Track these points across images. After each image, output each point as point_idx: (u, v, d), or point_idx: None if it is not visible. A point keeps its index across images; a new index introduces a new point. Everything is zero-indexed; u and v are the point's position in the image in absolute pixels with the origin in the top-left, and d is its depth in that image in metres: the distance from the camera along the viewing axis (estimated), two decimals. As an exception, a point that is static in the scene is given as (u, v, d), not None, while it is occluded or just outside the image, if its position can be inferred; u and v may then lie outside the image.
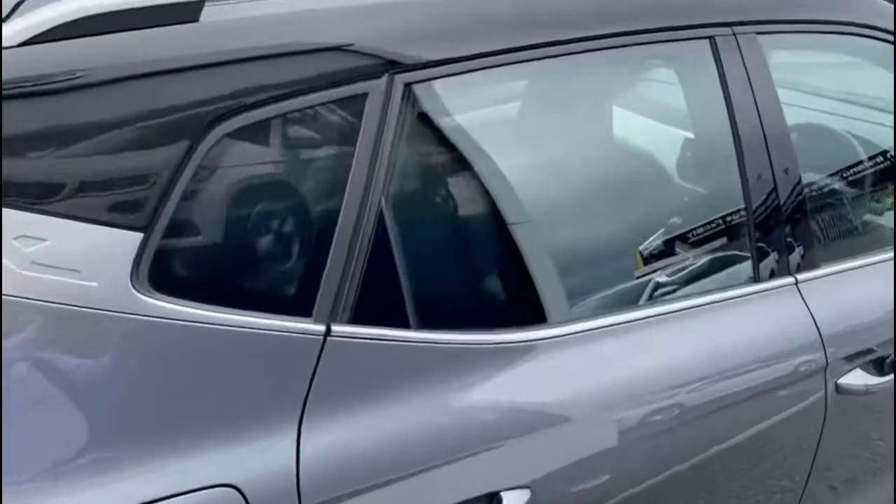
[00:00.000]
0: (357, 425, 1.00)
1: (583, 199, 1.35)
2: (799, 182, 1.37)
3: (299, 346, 0.98)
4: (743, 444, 1.28)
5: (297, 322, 0.98)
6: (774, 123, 1.34)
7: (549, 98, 1.41)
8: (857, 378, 1.37)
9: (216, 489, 0.91)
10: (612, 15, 1.23)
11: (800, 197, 1.38)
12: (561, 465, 1.11)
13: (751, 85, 1.32)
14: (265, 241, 1.01)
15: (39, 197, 0.87)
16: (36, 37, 0.88)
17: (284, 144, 1.02)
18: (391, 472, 1.00)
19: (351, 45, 1.02)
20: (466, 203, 1.21)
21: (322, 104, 1.02)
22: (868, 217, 1.64)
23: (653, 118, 1.76)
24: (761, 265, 1.35)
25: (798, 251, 1.38)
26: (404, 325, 1.06)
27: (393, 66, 1.04)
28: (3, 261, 0.85)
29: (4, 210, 0.85)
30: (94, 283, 0.88)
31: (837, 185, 1.57)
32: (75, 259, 0.88)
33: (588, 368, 1.16)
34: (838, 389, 1.36)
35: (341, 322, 1.00)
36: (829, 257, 1.44)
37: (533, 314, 1.17)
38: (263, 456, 0.95)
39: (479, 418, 1.08)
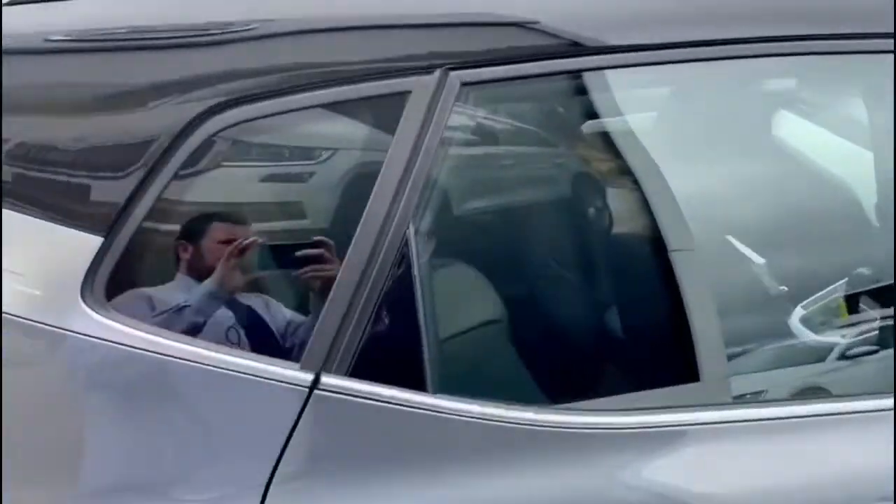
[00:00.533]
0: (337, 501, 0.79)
1: (749, 230, 1.11)
2: None
3: (277, 398, 0.79)
4: None
5: (278, 366, 0.80)
6: None
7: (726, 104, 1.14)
8: None
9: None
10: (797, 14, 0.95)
11: None
12: None
13: None
14: (250, 263, 0.83)
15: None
16: None
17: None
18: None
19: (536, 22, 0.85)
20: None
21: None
22: None
23: (840, 137, 1.44)
24: None
25: None
26: (421, 386, 0.84)
27: (576, 47, 0.85)
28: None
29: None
30: (38, 292, 0.74)
31: None
32: (19, 260, 0.74)
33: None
34: None
35: (335, 373, 0.81)
36: None
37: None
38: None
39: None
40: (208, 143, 0.79)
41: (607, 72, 0.91)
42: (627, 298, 1.07)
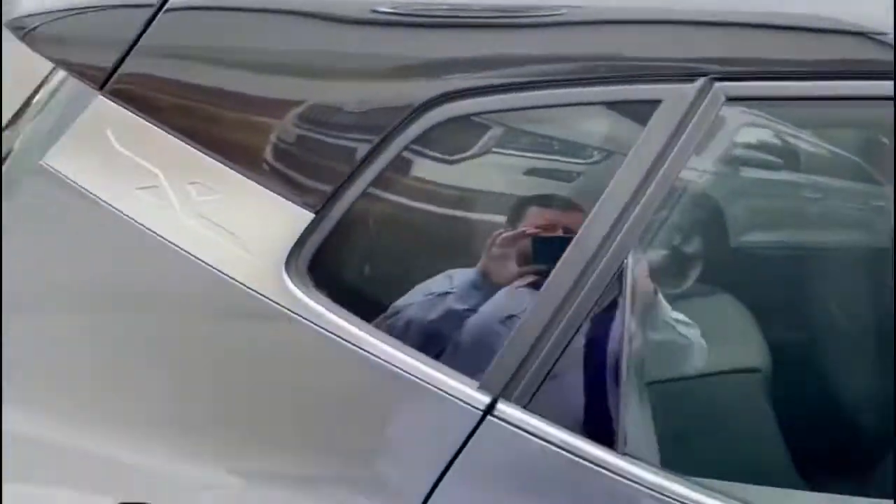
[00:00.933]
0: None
1: None
2: None
3: (452, 413, 0.74)
4: None
5: (459, 381, 0.74)
6: None
7: None
8: None
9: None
10: None
11: None
12: None
13: None
14: (450, 265, 0.78)
15: (227, 145, 0.78)
16: None
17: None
18: None
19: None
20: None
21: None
22: None
23: None
24: None
25: None
26: (606, 440, 0.73)
27: None
28: (170, 195, 0.78)
29: (190, 147, 0.77)
30: (246, 255, 0.76)
31: None
32: (237, 221, 0.77)
33: None
34: None
35: (514, 402, 0.73)
36: None
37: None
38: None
39: None
40: (444, 130, 0.75)
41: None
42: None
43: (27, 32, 0.84)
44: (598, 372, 0.74)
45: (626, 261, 0.72)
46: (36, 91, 0.88)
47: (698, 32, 0.73)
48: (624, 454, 0.72)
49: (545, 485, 0.73)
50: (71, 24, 0.83)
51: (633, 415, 0.73)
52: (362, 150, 0.75)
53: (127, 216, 0.78)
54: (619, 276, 0.72)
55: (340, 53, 0.79)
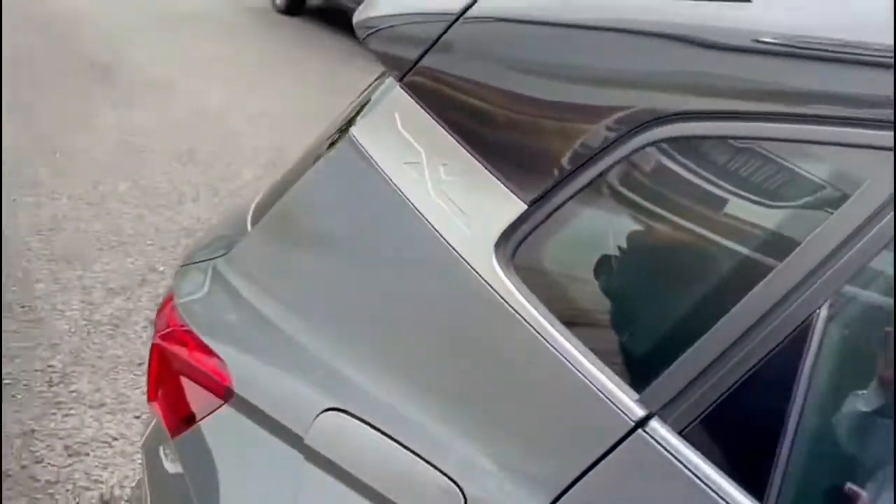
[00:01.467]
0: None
1: None
2: None
3: (606, 418, 0.75)
4: None
5: (620, 389, 0.75)
6: None
7: None
8: None
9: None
10: None
11: None
12: None
13: None
14: (642, 277, 0.78)
15: (477, 135, 0.89)
16: None
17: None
18: None
19: None
20: None
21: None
22: None
23: None
24: None
25: None
26: (756, 491, 0.68)
27: None
28: (426, 172, 0.91)
29: (448, 133, 0.91)
30: (468, 231, 0.86)
31: None
32: (469, 202, 0.87)
33: None
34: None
35: (668, 424, 0.72)
36: None
37: None
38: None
39: None
40: (659, 150, 0.77)
41: None
42: None
43: (370, 32, 1.05)
44: (766, 417, 0.69)
45: (817, 312, 0.66)
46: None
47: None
48: (768, 510, 0.67)
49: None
50: (397, 27, 1.02)
51: (792, 472, 0.67)
52: (585, 154, 0.80)
53: (394, 184, 0.94)
54: (809, 324, 0.67)
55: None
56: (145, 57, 6.39)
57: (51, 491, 2.20)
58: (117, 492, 2.22)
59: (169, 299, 1.16)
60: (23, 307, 3.05)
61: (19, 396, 2.56)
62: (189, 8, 8.14)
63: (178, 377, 1.08)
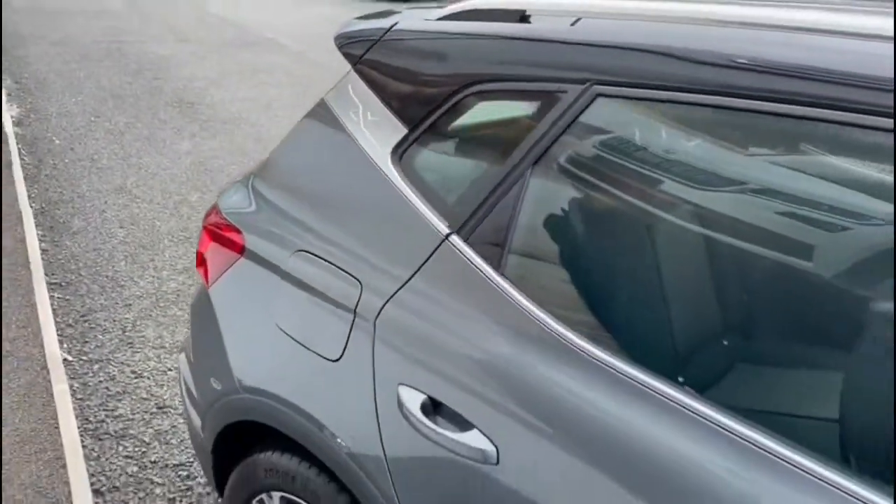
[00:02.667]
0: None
1: None
2: None
3: (430, 235, 1.38)
4: None
5: (437, 216, 1.39)
6: None
7: None
8: None
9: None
10: None
11: None
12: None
13: None
14: (453, 160, 1.43)
15: (395, 95, 1.55)
16: None
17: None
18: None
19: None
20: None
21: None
22: None
23: None
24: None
25: None
26: (498, 266, 1.30)
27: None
28: (360, 117, 1.58)
29: (375, 93, 1.57)
30: (379, 148, 1.52)
31: None
32: (380, 132, 1.53)
33: None
34: None
35: (463, 237, 1.34)
36: None
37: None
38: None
39: None
40: (475, 98, 1.41)
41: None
42: None
43: (343, 42, 1.72)
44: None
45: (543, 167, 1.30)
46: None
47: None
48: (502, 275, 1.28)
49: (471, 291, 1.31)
50: (354, 37, 1.69)
51: (547, 271, 1.28)
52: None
53: (344, 125, 1.61)
54: (549, 168, 1.29)
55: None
56: (223, 98, 7.32)
57: (119, 399, 2.89)
58: (169, 402, 2.89)
59: (215, 205, 1.84)
60: (107, 277, 3.81)
61: (101, 337, 3.29)
62: (266, 62, 9.16)
63: (212, 245, 1.76)
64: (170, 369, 3.10)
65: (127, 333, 3.33)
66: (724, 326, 1.21)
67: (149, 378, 3.02)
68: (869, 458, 1.00)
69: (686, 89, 1.13)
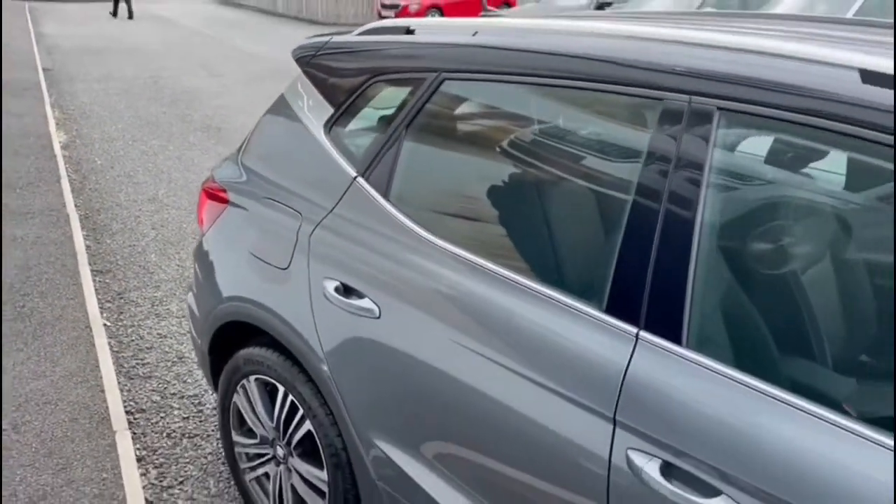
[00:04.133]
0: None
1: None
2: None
3: (342, 177, 2.04)
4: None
5: (347, 164, 2.05)
6: None
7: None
8: None
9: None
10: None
11: None
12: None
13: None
14: (359, 126, 2.09)
15: (325, 83, 2.22)
16: None
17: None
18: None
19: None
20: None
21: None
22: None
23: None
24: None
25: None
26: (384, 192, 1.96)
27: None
28: (305, 104, 2.26)
29: (315, 87, 2.25)
30: (316, 122, 2.18)
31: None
32: (316, 112, 2.20)
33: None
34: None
35: (368, 180, 2.00)
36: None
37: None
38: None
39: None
40: (378, 84, 2.07)
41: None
42: None
43: (299, 53, 2.40)
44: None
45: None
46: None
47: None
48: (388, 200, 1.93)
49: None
50: (305, 48, 2.37)
51: (431, 197, 1.94)
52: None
53: (294, 111, 2.28)
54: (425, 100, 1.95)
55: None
56: (247, 123, 8.10)
57: (147, 352, 3.57)
58: (187, 355, 3.56)
59: (210, 175, 2.53)
60: (139, 266, 4.53)
61: (133, 309, 3.98)
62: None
63: (208, 204, 2.44)
64: (189, 332, 3.78)
65: (155, 307, 4.02)
66: (525, 220, 1.84)
67: (172, 339, 3.70)
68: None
69: (499, 72, 1.79)
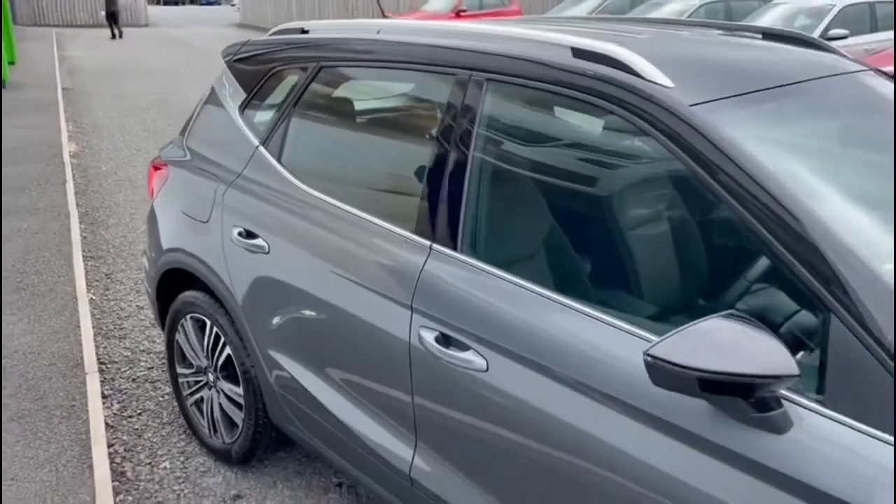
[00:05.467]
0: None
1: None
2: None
3: (242, 143, 2.57)
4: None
5: (245, 128, 2.57)
6: None
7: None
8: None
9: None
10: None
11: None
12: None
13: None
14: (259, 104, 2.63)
15: (248, 73, 2.76)
16: None
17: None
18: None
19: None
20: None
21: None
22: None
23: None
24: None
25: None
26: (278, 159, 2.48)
27: None
28: (226, 92, 2.79)
29: (233, 78, 2.78)
30: (234, 106, 2.71)
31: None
32: (233, 99, 2.73)
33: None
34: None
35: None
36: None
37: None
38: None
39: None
40: (281, 72, 2.60)
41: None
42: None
43: (226, 55, 2.94)
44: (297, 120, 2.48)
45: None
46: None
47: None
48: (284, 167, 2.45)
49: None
50: (230, 50, 2.91)
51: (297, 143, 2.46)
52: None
53: (220, 99, 2.82)
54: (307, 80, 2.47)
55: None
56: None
57: (125, 319, 4.10)
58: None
59: (158, 154, 3.07)
60: (128, 254, 5.09)
61: (118, 287, 4.53)
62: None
63: (156, 175, 2.98)
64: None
65: (137, 286, 4.57)
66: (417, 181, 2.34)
67: (149, 310, 4.24)
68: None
69: (359, 59, 2.31)
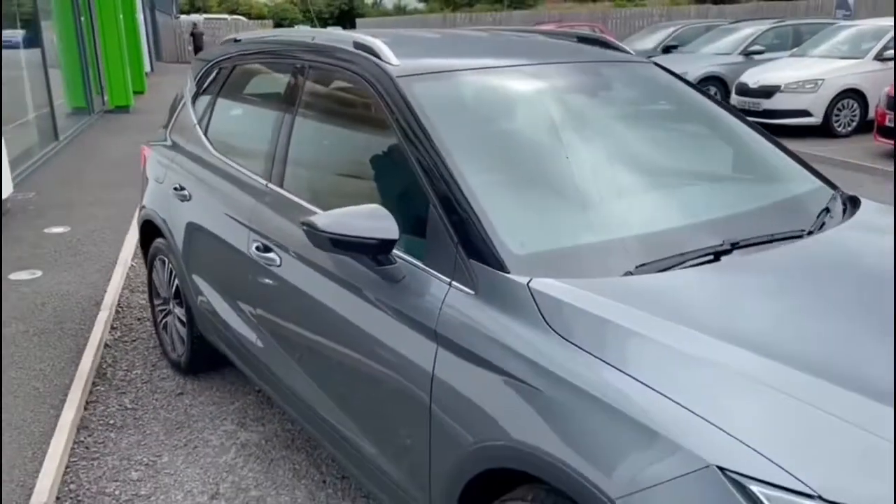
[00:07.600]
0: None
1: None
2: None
3: (191, 127, 3.44)
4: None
5: (195, 118, 3.44)
6: None
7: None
8: None
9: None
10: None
11: None
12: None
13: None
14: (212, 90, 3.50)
15: (214, 80, 3.64)
16: None
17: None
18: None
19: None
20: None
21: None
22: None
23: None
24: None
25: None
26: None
27: None
28: (189, 91, 3.69)
29: (197, 79, 3.68)
30: (189, 96, 3.60)
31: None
32: (192, 89, 3.62)
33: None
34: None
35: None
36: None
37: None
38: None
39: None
40: (217, 70, 3.46)
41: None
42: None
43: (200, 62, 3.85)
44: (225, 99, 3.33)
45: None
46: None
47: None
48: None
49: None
50: (200, 60, 3.81)
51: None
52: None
53: (185, 95, 3.72)
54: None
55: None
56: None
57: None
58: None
59: (148, 141, 4.02)
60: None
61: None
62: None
63: (144, 154, 3.92)
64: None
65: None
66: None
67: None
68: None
69: (254, 55, 3.15)
